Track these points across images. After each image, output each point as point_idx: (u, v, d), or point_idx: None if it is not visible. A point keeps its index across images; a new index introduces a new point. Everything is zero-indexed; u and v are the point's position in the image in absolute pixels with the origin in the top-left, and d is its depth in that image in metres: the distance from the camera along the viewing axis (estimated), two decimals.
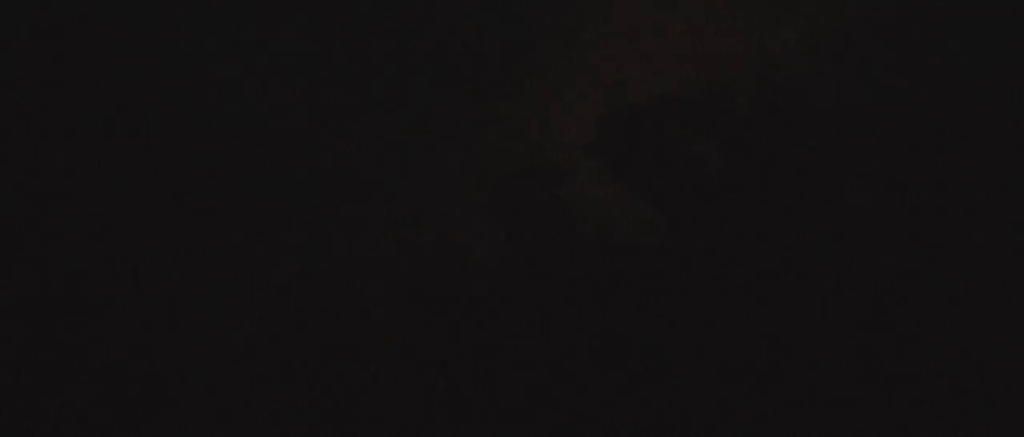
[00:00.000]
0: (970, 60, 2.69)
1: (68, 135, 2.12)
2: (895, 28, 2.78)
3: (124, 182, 2.11)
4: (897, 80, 2.83)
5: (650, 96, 2.97)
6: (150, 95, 2.25)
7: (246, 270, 2.30)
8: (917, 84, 2.79)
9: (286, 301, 2.36)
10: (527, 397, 2.30)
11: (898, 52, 2.81)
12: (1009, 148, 2.53)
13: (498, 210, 2.64)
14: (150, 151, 2.30)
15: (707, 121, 3.04)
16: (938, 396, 2.25)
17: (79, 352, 1.92)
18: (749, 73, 2.98)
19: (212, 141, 2.50)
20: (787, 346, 2.33)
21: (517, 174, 2.70)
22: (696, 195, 2.64)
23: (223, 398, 2.11)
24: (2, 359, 1.83)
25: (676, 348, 2.44)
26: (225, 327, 2.16)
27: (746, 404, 2.32)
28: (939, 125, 2.71)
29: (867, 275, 2.40)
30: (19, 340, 1.85)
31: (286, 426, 2.22)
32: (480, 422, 2.28)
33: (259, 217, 2.45)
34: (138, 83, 2.27)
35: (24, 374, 1.84)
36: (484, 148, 2.87)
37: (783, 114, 2.81)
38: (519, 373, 2.33)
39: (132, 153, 2.24)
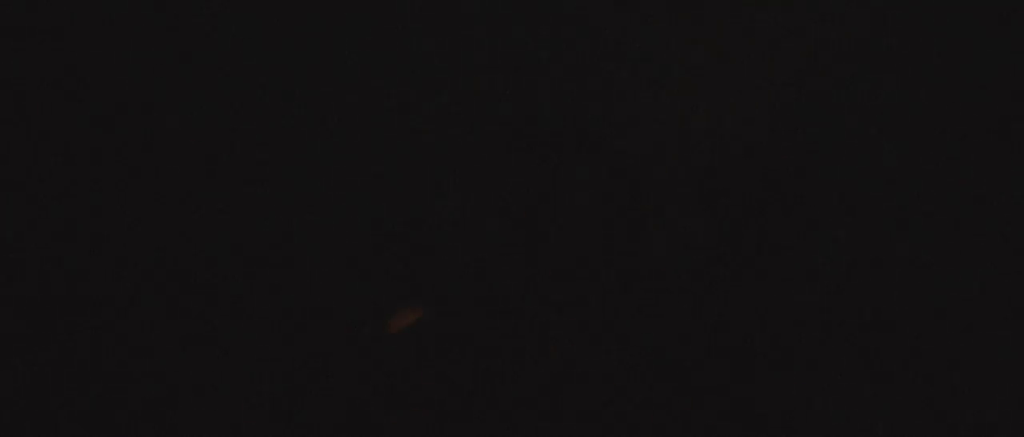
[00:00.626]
0: (980, 67, 2.69)
1: (68, 136, 2.12)
2: (906, 36, 2.78)
3: (123, 182, 2.11)
4: (909, 85, 2.84)
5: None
6: (150, 95, 2.25)
7: (247, 269, 2.29)
8: (928, 88, 2.79)
9: (287, 300, 2.35)
10: (529, 396, 2.30)
11: (910, 58, 2.82)
12: (1015, 151, 2.54)
13: (507, 210, 2.64)
14: (149, 151, 2.29)
15: (723, 127, 3.04)
16: (937, 396, 2.25)
17: (78, 352, 1.91)
18: (759, 83, 2.98)
19: (210, 141, 2.50)
20: (792, 346, 2.33)
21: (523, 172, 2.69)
22: (708, 195, 2.64)
23: (223, 398, 2.11)
24: (2, 360, 1.83)
25: (681, 347, 2.44)
26: (225, 327, 2.15)
27: (750, 403, 2.32)
28: (949, 128, 2.71)
29: (875, 274, 2.40)
30: (19, 340, 1.85)
31: (286, 426, 2.21)
32: (481, 421, 2.28)
33: (257, 216, 2.45)
34: (137, 83, 2.27)
35: (24, 374, 1.83)
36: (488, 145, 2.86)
37: (792, 123, 2.82)
38: (521, 372, 2.33)
39: (131, 153, 2.24)
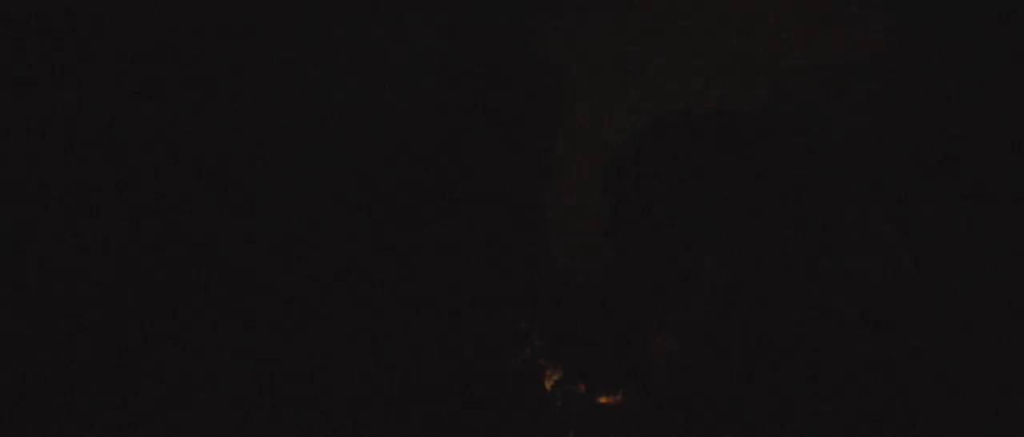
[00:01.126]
0: (983, 76, 2.68)
1: (68, 135, 2.11)
2: (908, 45, 2.77)
3: (125, 182, 2.10)
4: (909, 94, 2.83)
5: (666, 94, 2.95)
6: (156, 95, 2.24)
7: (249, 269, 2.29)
8: (927, 97, 2.78)
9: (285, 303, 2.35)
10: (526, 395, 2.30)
11: (911, 67, 2.81)
12: (1016, 157, 2.53)
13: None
14: (151, 151, 2.29)
15: (719, 128, 3.04)
16: (939, 396, 2.25)
17: (79, 351, 1.91)
18: (761, 83, 2.98)
19: (208, 139, 2.49)
20: (791, 349, 2.33)
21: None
22: (705, 201, 2.63)
23: (226, 397, 2.10)
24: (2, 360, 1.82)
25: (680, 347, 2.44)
26: (228, 326, 2.15)
27: (750, 403, 2.32)
28: (948, 137, 2.71)
29: (871, 279, 2.40)
30: (19, 340, 1.85)
31: (288, 425, 2.21)
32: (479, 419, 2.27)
33: (254, 216, 2.44)
34: (140, 83, 2.26)
35: (24, 374, 1.83)
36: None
37: (792, 123, 2.81)
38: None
39: (133, 153, 2.23)
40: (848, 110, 2.73)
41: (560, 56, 2.99)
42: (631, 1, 2.97)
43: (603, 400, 2.27)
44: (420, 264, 2.33)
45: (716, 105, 3.01)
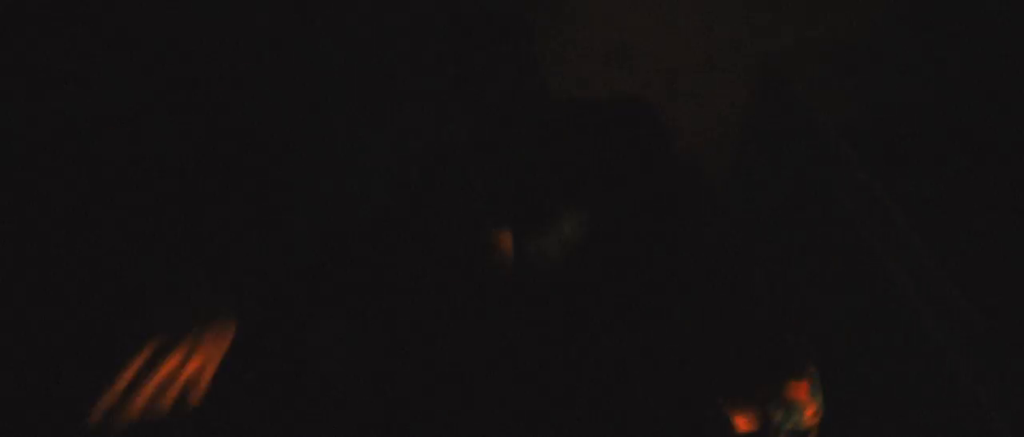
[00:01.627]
0: (973, 68, 2.67)
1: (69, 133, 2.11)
2: (895, 35, 2.76)
3: (123, 180, 2.11)
4: (895, 86, 2.82)
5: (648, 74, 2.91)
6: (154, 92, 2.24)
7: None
8: (916, 90, 2.77)
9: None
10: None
11: (897, 58, 2.80)
12: (1008, 154, 2.52)
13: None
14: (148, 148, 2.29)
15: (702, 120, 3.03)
16: (936, 395, 2.25)
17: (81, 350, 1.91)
18: (748, 73, 2.97)
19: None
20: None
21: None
22: (688, 194, 2.62)
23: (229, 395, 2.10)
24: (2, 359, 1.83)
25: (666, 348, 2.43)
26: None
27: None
28: (938, 130, 2.70)
29: (858, 279, 2.39)
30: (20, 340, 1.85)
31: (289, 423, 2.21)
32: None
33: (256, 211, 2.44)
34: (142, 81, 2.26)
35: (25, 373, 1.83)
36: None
37: (780, 115, 2.80)
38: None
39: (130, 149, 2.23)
40: (837, 103, 2.72)
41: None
42: None
43: None
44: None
45: (702, 93, 2.97)
